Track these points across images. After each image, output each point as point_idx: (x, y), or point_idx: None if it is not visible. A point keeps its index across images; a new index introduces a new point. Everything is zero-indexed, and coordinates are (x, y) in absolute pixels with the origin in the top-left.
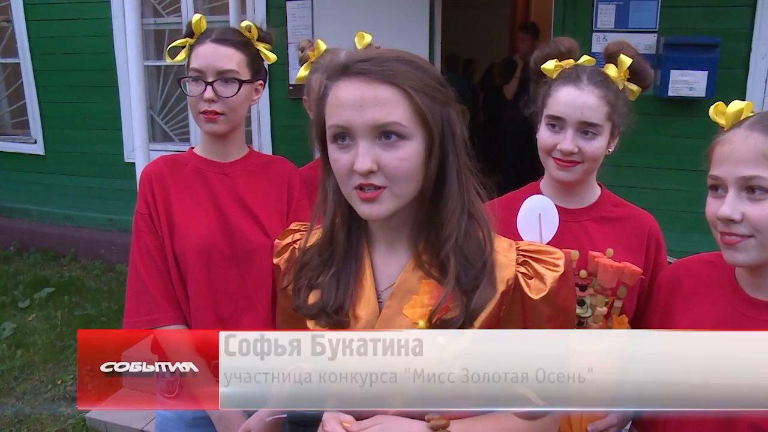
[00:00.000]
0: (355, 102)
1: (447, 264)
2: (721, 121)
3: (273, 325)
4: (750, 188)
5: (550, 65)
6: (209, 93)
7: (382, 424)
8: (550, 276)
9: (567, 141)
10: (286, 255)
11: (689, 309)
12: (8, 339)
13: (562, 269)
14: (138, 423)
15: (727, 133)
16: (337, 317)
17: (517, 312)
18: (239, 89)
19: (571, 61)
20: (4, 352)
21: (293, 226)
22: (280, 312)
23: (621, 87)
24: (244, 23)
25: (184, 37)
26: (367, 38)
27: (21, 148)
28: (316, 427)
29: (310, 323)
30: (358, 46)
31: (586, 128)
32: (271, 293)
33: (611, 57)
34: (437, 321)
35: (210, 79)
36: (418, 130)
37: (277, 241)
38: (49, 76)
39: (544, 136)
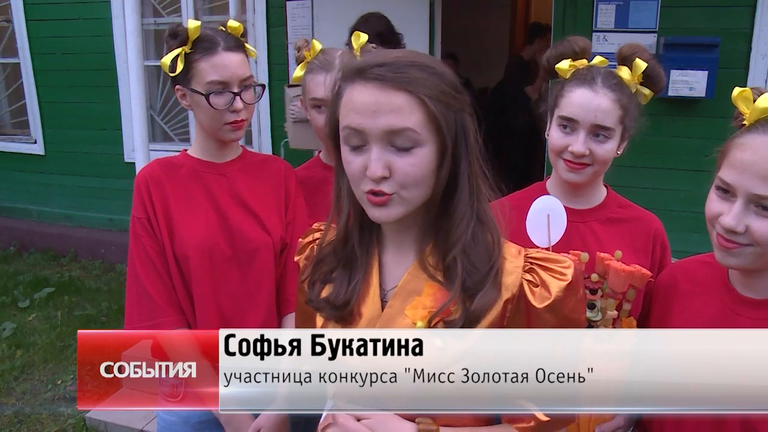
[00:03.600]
0: (369, 107)
1: (453, 268)
2: (744, 108)
3: (277, 323)
4: (760, 204)
5: (564, 65)
6: (239, 104)
7: (372, 419)
8: (556, 285)
9: (579, 143)
10: (306, 253)
11: (684, 308)
12: (8, 339)
13: (569, 279)
14: (138, 423)
15: (750, 135)
16: (341, 311)
17: (521, 320)
18: (263, 93)
19: (585, 61)
20: (4, 352)
21: (315, 225)
22: (297, 308)
23: (634, 90)
24: (233, 23)
25: (179, 46)
26: (363, 38)
27: (21, 148)
28: (316, 422)
29: (318, 318)
30: (355, 46)
31: (598, 131)
32: (274, 291)
33: (625, 60)
34: (438, 323)
35: (236, 90)
36: (431, 137)
37: (300, 240)
38: (49, 76)
39: (555, 136)
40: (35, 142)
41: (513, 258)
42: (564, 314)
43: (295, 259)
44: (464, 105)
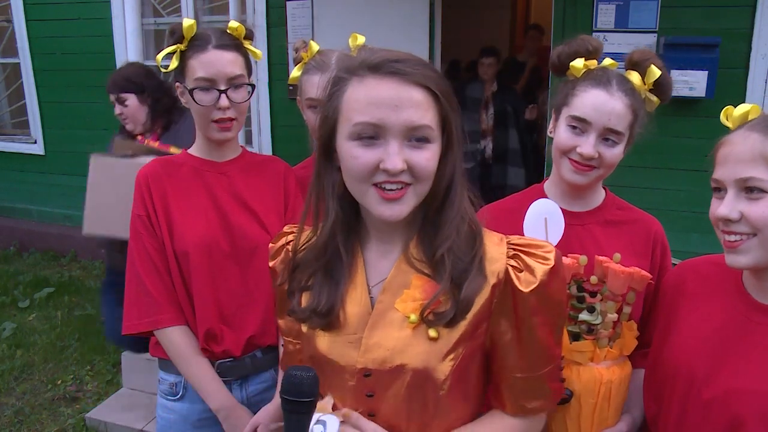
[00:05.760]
0: (391, 101)
1: (441, 264)
2: (729, 124)
3: (274, 321)
4: (748, 188)
5: (579, 64)
6: (225, 101)
7: None
8: (541, 269)
9: (588, 145)
10: (280, 257)
11: (693, 309)
12: (8, 339)
13: (552, 262)
14: (138, 423)
15: (728, 135)
16: (327, 318)
17: (508, 305)
18: (251, 93)
19: (595, 62)
20: (4, 352)
21: (286, 228)
22: (278, 304)
23: (643, 97)
24: (233, 23)
25: (174, 43)
26: (360, 39)
27: (21, 148)
28: (310, 415)
29: (303, 327)
30: (352, 47)
31: (608, 134)
32: (273, 289)
33: (636, 65)
34: (429, 314)
35: (222, 87)
36: (439, 135)
37: (270, 245)
38: (49, 76)
39: (564, 136)
40: (35, 142)
41: (495, 245)
42: (548, 296)
43: (270, 264)
44: (458, 107)
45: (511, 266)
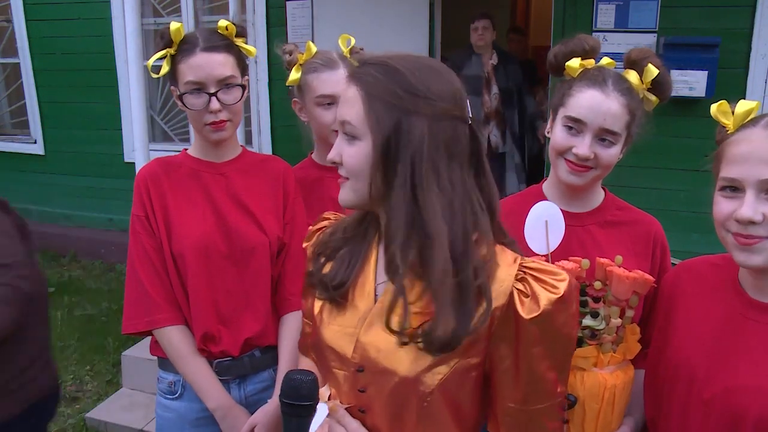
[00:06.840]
0: (339, 97)
1: (437, 291)
2: (725, 120)
3: (274, 323)
4: None
5: (574, 63)
6: (215, 104)
7: None
8: (545, 297)
9: (584, 146)
10: (314, 240)
11: (691, 309)
12: None
13: (560, 292)
14: (138, 423)
15: (740, 132)
16: (334, 292)
17: (509, 330)
18: (243, 94)
19: (592, 61)
20: None
21: (326, 214)
22: (305, 286)
23: (641, 96)
24: (222, 23)
25: (163, 48)
26: (351, 41)
27: (21, 148)
28: (309, 418)
29: (315, 308)
30: (342, 48)
31: (604, 135)
32: (270, 290)
33: (634, 64)
34: (419, 330)
35: (212, 90)
36: (367, 133)
37: (310, 227)
38: (49, 76)
39: (560, 136)
40: (35, 142)
41: (507, 266)
42: (554, 328)
43: (304, 245)
44: (418, 108)
45: (518, 290)
